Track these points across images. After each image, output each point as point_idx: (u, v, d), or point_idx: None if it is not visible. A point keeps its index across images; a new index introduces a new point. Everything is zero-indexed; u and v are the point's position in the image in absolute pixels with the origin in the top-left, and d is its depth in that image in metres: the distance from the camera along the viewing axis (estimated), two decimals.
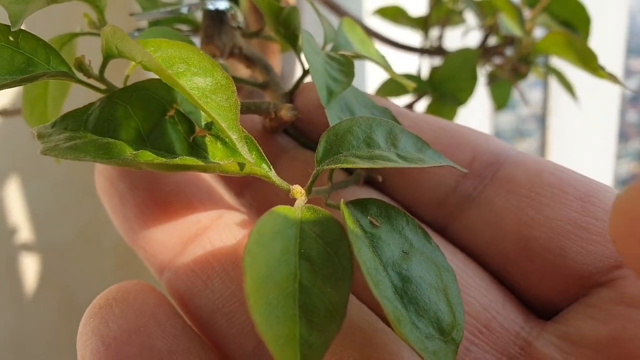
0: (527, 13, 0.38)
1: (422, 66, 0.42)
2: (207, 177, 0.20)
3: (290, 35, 0.21)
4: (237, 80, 0.24)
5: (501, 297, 0.18)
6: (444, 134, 0.20)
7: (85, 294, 0.55)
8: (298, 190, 0.16)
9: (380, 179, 0.20)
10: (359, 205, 0.16)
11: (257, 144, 0.16)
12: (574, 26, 0.37)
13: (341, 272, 0.13)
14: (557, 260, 0.17)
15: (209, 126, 0.17)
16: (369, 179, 0.21)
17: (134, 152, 0.15)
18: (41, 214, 0.52)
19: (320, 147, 0.16)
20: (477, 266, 0.19)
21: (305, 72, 0.21)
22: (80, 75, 0.17)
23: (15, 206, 0.51)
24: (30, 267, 0.52)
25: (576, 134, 0.75)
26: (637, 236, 0.11)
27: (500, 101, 0.42)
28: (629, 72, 0.97)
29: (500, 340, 0.17)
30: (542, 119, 0.75)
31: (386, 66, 0.23)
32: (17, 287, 0.52)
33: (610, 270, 0.17)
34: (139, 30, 0.24)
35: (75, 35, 0.24)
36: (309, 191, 0.16)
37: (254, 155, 0.16)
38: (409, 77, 0.39)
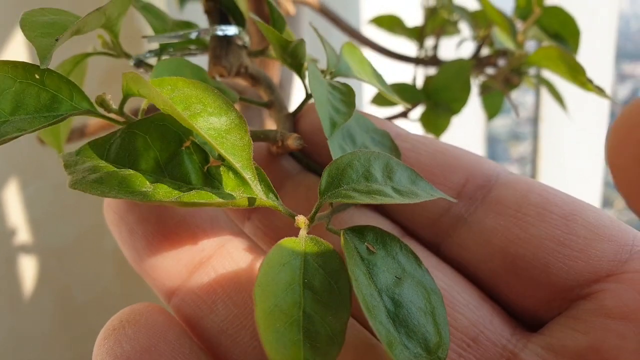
0: (519, 25, 0.39)
1: (417, 75, 0.43)
2: None
3: (296, 65, 0.22)
4: (244, 100, 0.25)
5: (489, 312, 0.19)
6: (439, 156, 0.22)
7: (84, 296, 0.55)
8: (302, 221, 0.17)
9: None
10: (357, 232, 0.18)
11: (266, 176, 0.17)
12: (564, 38, 0.39)
13: (340, 301, 0.15)
14: (541, 275, 0.18)
15: (222, 157, 0.18)
16: None
17: (152, 186, 0.17)
18: (40, 216, 0.52)
19: (323, 180, 0.17)
20: (467, 283, 0.20)
21: (309, 96, 0.23)
22: (101, 110, 0.18)
23: (14, 208, 0.51)
24: (29, 269, 0.52)
25: (568, 138, 0.76)
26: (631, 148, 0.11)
27: (492, 111, 0.43)
28: (622, 77, 0.98)
29: (487, 352, 0.18)
30: (535, 123, 0.76)
31: (382, 87, 0.25)
32: (16, 289, 0.52)
33: (590, 284, 0.18)
34: (150, 51, 0.25)
35: (88, 55, 0.25)
36: (312, 220, 0.17)
37: (262, 187, 0.17)
38: (403, 86, 0.40)
